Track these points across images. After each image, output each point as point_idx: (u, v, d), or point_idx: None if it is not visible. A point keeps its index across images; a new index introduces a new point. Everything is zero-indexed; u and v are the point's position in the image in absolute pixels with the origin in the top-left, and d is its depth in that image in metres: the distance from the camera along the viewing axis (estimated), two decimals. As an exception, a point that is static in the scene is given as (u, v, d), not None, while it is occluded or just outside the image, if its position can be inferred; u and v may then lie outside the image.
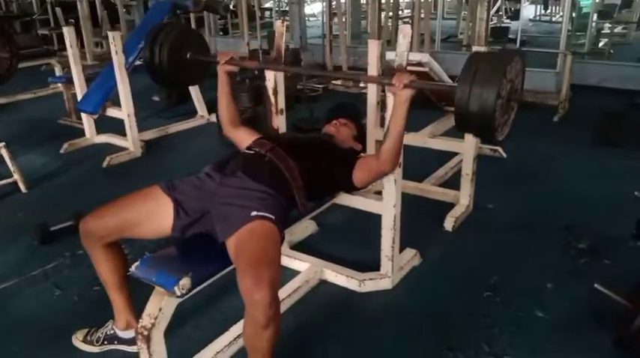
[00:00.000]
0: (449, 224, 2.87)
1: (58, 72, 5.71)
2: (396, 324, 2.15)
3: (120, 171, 3.90)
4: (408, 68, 2.10)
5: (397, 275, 2.40)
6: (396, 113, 1.88)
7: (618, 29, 8.36)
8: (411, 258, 2.52)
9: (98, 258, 1.86)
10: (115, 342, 2.01)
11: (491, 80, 1.65)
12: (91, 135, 4.47)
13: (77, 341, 2.03)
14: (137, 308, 1.87)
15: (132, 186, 1.93)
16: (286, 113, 2.60)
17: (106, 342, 2.01)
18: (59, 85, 5.28)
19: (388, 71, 2.11)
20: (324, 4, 6.46)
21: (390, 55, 2.98)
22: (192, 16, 8.40)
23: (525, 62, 1.86)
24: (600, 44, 7.56)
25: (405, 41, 2.01)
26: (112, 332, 2.01)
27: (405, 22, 8.60)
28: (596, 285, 2.03)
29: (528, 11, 11.02)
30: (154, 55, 2.52)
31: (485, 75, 1.66)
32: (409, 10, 11.14)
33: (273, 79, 2.43)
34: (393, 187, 2.23)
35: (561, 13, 10.37)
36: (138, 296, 1.81)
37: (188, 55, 2.54)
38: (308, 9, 9.68)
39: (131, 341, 1.97)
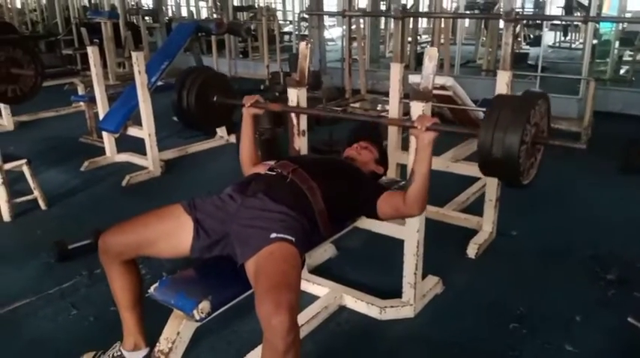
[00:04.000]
0: (472, 251, 2.80)
1: (80, 91, 5.81)
2: (418, 356, 2.07)
3: (139, 190, 3.90)
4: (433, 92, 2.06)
5: (419, 303, 2.33)
6: (419, 156, 1.81)
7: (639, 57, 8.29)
8: (433, 285, 2.45)
9: (114, 275, 1.82)
10: None
11: (514, 125, 1.63)
12: (111, 153, 4.50)
13: None
14: (150, 330, 1.83)
15: (151, 205, 1.90)
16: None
17: None
18: (81, 103, 5.35)
19: (412, 94, 2.06)
20: (344, 27, 6.52)
21: (413, 78, 2.97)
22: (213, 38, 8.53)
23: (550, 103, 1.84)
24: (621, 71, 7.49)
25: (431, 64, 1.99)
26: (118, 353, 1.96)
27: (423, 47, 8.63)
28: (629, 319, 1.95)
29: (548, 37, 10.97)
30: (182, 99, 2.64)
31: (508, 120, 1.64)
32: (427, 36, 11.22)
33: (295, 99, 2.41)
34: (416, 212, 2.17)
35: (581, 40, 10.35)
36: (152, 318, 1.76)
37: (215, 99, 2.59)
38: (326, 33, 9.76)
39: None
